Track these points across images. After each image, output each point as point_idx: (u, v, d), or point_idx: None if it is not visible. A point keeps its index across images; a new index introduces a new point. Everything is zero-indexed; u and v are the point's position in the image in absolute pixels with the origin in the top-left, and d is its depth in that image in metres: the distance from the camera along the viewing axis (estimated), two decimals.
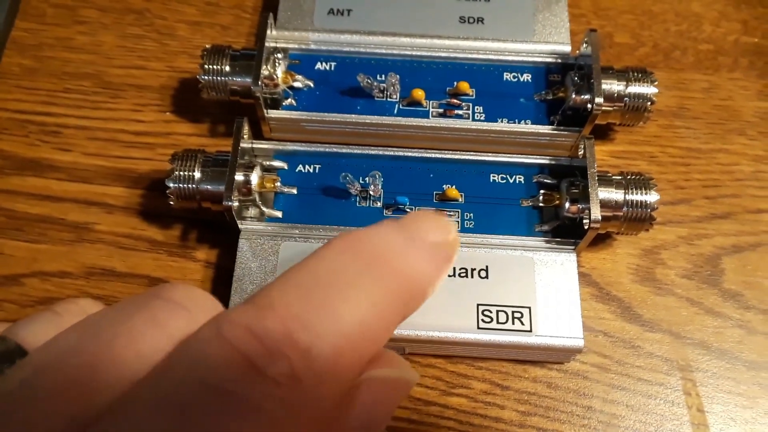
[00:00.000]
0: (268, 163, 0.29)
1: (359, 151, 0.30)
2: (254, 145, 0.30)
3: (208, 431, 0.12)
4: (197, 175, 0.28)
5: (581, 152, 0.28)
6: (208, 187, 0.28)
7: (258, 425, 0.13)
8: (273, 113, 0.31)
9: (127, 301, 0.15)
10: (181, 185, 0.28)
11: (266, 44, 0.30)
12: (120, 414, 0.13)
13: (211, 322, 0.14)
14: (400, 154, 0.30)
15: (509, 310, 0.27)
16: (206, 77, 0.30)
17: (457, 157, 0.30)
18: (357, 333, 0.14)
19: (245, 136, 0.29)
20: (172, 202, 0.28)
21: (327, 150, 0.30)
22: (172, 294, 0.15)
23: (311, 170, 0.30)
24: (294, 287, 0.14)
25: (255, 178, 0.28)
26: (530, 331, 0.27)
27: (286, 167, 0.30)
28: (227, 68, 0.30)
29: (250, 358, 0.13)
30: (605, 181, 0.28)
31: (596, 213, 0.26)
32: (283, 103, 0.31)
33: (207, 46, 0.31)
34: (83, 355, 0.14)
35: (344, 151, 0.30)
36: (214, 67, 0.30)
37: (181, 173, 0.28)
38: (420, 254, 0.16)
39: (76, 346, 0.14)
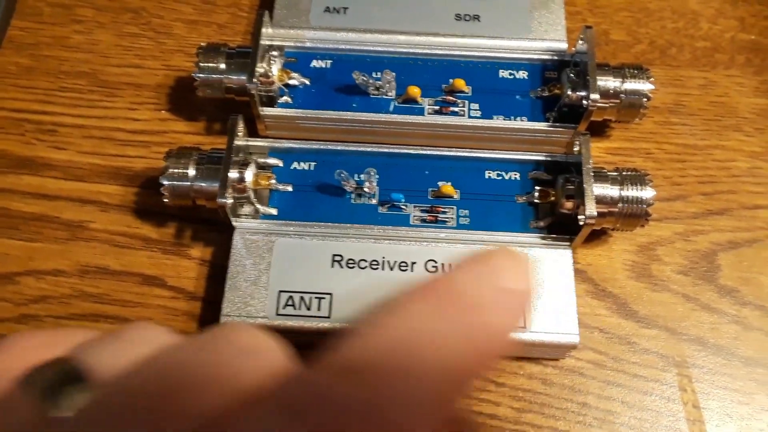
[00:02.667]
0: (262, 160, 0.29)
1: (354, 148, 0.30)
2: (249, 143, 0.30)
3: None
4: (191, 172, 0.28)
5: (577, 148, 0.28)
6: (203, 184, 0.28)
7: None
8: (268, 111, 0.31)
9: (200, 342, 0.15)
10: (175, 183, 0.28)
11: (262, 42, 0.30)
12: None
13: (284, 383, 0.14)
14: (395, 151, 0.30)
15: None
16: (201, 75, 0.30)
17: (452, 153, 0.30)
18: (443, 407, 0.14)
19: (240, 134, 0.29)
20: (166, 200, 0.28)
21: (322, 147, 0.30)
22: (239, 339, 0.15)
23: (306, 167, 0.30)
24: (376, 352, 0.14)
25: (250, 175, 0.28)
26: (525, 327, 0.26)
27: (281, 164, 0.30)
28: (222, 66, 0.30)
29: None
30: (600, 177, 0.27)
31: (591, 209, 0.26)
32: (279, 101, 0.31)
33: (202, 44, 0.31)
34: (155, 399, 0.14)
35: (339, 148, 0.30)
36: (210, 64, 0.31)
37: (176, 171, 0.28)
38: (504, 312, 0.15)
39: (153, 390, 0.14)
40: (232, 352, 0.15)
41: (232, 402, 0.14)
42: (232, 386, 0.14)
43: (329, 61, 0.32)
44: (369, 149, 0.30)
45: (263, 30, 0.30)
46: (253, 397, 0.14)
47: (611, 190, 0.27)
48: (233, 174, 0.27)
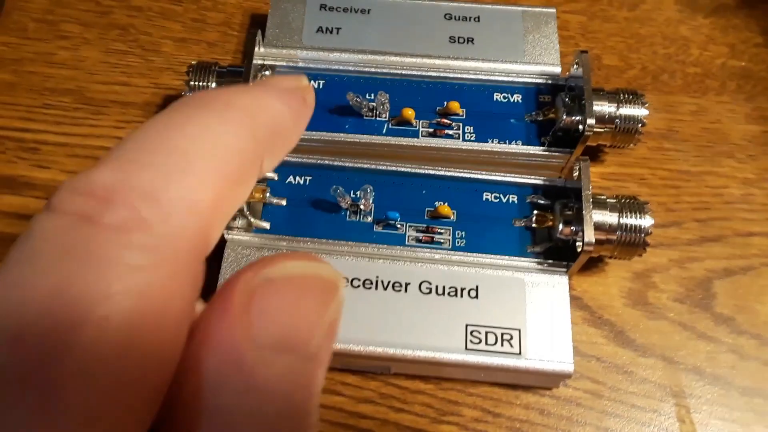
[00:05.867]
0: None
1: (351, 165, 0.29)
2: None
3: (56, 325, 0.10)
4: None
5: (576, 174, 0.28)
6: None
7: (118, 282, 0.10)
8: None
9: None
10: None
11: (254, 61, 0.30)
12: None
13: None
14: (392, 169, 0.29)
15: (498, 332, 0.26)
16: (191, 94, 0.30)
17: (450, 174, 0.29)
18: (210, 169, 0.13)
19: None
20: None
21: (318, 162, 0.29)
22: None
23: (301, 182, 0.29)
24: (125, 142, 0.12)
25: None
26: (519, 354, 0.26)
27: (276, 178, 0.29)
28: (213, 85, 0.30)
29: (78, 213, 0.11)
30: (599, 203, 0.27)
31: (590, 236, 0.26)
32: None
33: (193, 62, 0.30)
34: None
35: (336, 164, 0.29)
36: (200, 83, 0.30)
37: None
38: (265, 94, 0.15)
39: None
40: None
41: None
42: None
43: (322, 82, 0.32)
44: (366, 166, 0.29)
45: (255, 49, 0.30)
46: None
47: (610, 218, 0.27)
48: None
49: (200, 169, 0.12)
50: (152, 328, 0.11)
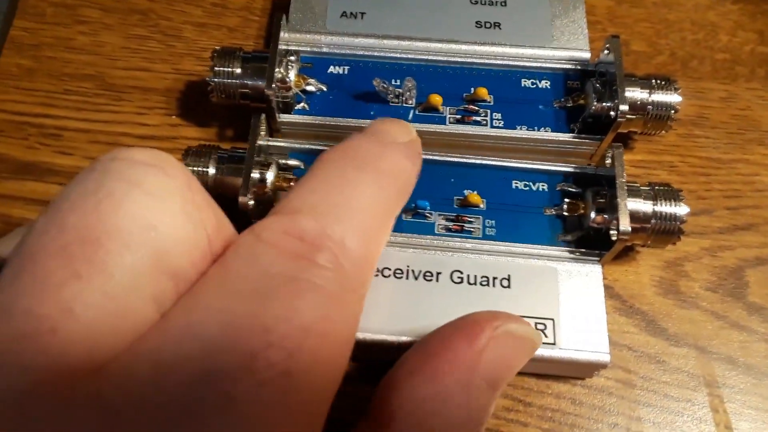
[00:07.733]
0: (283, 161, 0.28)
1: None
2: (270, 143, 0.28)
3: (285, 307, 0.14)
4: (211, 170, 0.27)
5: (608, 161, 0.27)
6: (224, 181, 0.27)
7: (323, 301, 0.15)
8: (285, 117, 0.30)
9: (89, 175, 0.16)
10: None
11: (279, 47, 0.29)
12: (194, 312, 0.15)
13: (247, 232, 0.16)
14: (422, 156, 0.29)
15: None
16: (216, 80, 0.29)
17: (479, 162, 0.29)
18: (372, 222, 0.18)
19: (262, 133, 0.28)
20: None
21: None
22: (139, 156, 0.16)
23: None
24: (311, 193, 0.17)
25: (270, 176, 0.27)
26: (554, 343, 0.25)
27: (302, 167, 0.28)
28: (238, 71, 0.29)
29: (297, 252, 0.15)
30: (633, 191, 0.27)
31: (626, 225, 0.25)
32: (296, 107, 0.30)
33: (217, 47, 0.30)
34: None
35: None
36: (225, 69, 0.29)
37: (194, 168, 0.27)
38: (397, 155, 0.20)
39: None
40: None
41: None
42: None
43: (346, 68, 0.31)
44: None
45: (280, 34, 0.29)
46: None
47: (644, 206, 0.26)
48: (254, 174, 0.26)
49: (370, 227, 0.18)
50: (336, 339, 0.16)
